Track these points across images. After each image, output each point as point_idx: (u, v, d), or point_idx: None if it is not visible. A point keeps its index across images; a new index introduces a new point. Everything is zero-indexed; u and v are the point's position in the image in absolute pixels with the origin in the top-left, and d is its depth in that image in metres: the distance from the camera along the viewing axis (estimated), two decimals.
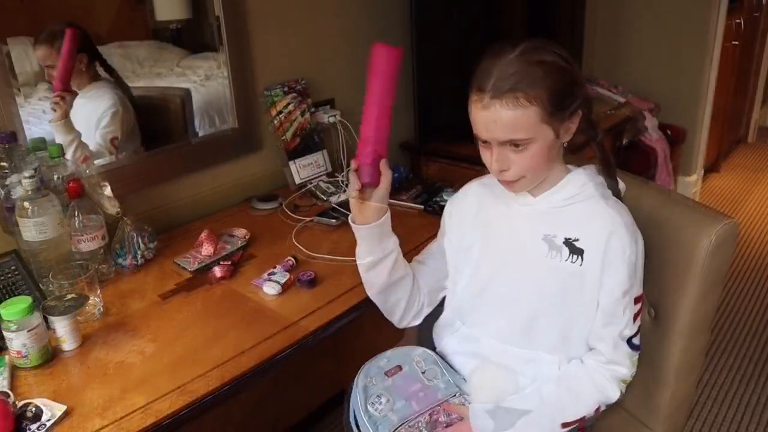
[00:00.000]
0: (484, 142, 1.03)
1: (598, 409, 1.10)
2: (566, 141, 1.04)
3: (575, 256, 1.06)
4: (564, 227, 1.07)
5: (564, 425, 1.07)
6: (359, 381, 1.16)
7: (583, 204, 1.07)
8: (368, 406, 1.12)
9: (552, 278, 1.08)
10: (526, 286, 1.11)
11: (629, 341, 1.08)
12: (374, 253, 1.11)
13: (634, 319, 1.07)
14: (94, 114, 1.56)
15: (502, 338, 1.16)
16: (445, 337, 1.25)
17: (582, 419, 1.09)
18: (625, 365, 1.09)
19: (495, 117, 0.97)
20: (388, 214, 1.11)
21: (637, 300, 1.07)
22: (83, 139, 1.52)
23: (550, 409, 1.07)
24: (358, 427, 1.14)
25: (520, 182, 1.05)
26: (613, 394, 1.09)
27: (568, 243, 1.06)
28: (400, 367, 1.20)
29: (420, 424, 1.11)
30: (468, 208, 1.22)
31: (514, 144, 0.99)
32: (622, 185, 1.13)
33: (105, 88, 1.56)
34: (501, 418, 1.07)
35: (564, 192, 1.08)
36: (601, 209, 1.06)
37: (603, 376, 1.08)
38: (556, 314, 1.09)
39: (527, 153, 0.99)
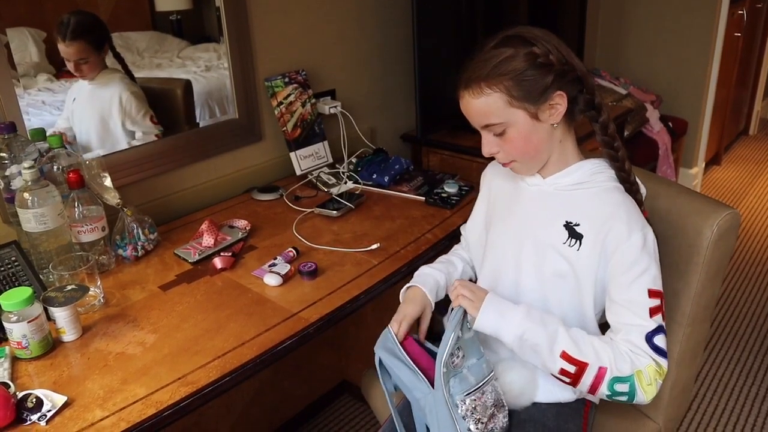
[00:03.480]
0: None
1: (601, 374, 0.99)
2: (556, 122, 1.04)
3: (573, 240, 1.06)
4: (567, 211, 1.08)
5: (564, 356, 1.00)
6: (457, 329, 1.02)
7: (590, 191, 1.08)
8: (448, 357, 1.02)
9: (549, 259, 1.08)
10: (527, 265, 1.11)
11: (649, 339, 1.01)
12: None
13: (651, 313, 1.01)
14: (111, 101, 1.57)
15: None
16: None
17: (581, 368, 1.00)
18: (642, 356, 1.01)
19: (466, 106, 1.06)
20: (429, 297, 1.19)
21: (653, 293, 1.01)
22: (97, 124, 1.55)
23: (564, 329, 1.02)
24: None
25: (514, 165, 1.10)
26: (624, 368, 0.99)
27: (569, 227, 1.07)
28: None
29: (487, 401, 1.04)
30: (485, 188, 1.27)
31: (492, 130, 1.05)
32: (642, 189, 1.12)
33: (114, 75, 1.56)
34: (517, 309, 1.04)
35: (572, 177, 1.09)
36: (606, 198, 1.06)
37: (620, 348, 1.01)
38: (560, 297, 1.09)
39: (507, 138, 1.05)
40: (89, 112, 1.54)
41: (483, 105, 1.02)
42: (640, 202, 1.09)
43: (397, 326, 1.11)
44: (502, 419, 1.08)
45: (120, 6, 1.54)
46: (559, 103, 1.03)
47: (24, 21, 1.38)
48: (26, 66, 1.39)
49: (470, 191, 1.74)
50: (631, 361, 1.00)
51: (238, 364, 1.06)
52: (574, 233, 1.06)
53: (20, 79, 1.38)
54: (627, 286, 1.03)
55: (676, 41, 3.27)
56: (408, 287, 1.22)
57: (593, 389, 1.01)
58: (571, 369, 1.00)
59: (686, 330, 1.17)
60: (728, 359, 2.26)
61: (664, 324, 1.03)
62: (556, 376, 1.02)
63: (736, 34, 3.51)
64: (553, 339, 1.01)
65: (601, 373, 1.00)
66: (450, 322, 1.03)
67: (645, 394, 1.01)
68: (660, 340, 1.02)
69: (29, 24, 1.39)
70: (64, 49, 1.44)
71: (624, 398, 1.01)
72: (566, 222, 1.07)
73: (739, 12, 3.49)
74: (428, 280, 1.22)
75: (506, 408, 1.09)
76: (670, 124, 3.24)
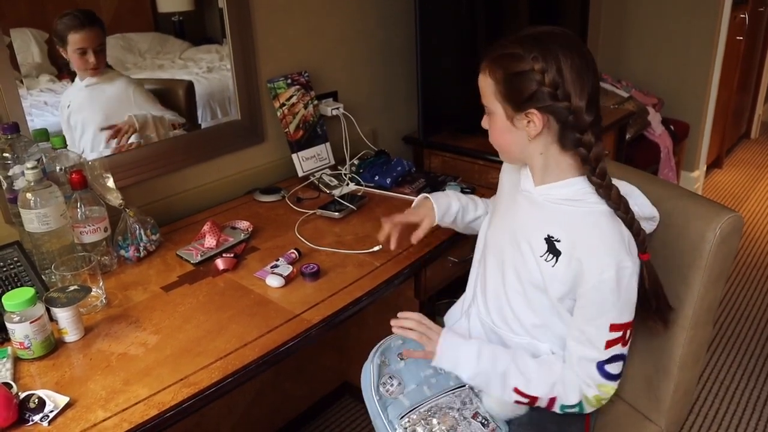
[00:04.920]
0: None
1: (552, 401, 1.07)
2: (530, 136, 1.03)
3: (550, 255, 1.04)
4: (551, 224, 1.06)
5: (516, 390, 1.07)
6: (375, 358, 1.16)
7: (579, 210, 1.05)
8: (380, 387, 1.13)
9: (524, 269, 1.08)
10: (510, 270, 1.12)
11: (600, 367, 1.04)
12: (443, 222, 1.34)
13: (607, 345, 1.02)
14: (119, 98, 1.58)
15: (492, 322, 1.17)
16: (452, 324, 1.28)
17: (533, 400, 1.08)
18: (590, 386, 1.05)
19: (478, 80, 1.09)
20: (435, 213, 1.31)
21: (614, 327, 1.02)
22: (103, 124, 1.55)
23: (514, 367, 1.07)
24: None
25: (499, 151, 1.14)
26: (572, 398, 1.06)
27: (549, 240, 1.05)
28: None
29: (431, 412, 1.11)
30: (502, 177, 1.28)
31: (485, 107, 1.10)
32: (652, 212, 1.12)
33: (114, 72, 1.57)
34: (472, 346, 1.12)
35: (563, 192, 1.06)
36: (594, 222, 1.03)
37: (570, 377, 1.06)
38: (541, 304, 1.09)
39: (490, 122, 1.10)
40: (90, 114, 1.53)
41: (482, 84, 1.08)
42: (642, 242, 1.04)
43: (389, 225, 1.31)
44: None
45: (122, 7, 1.54)
46: (535, 122, 1.01)
47: (26, 22, 1.38)
48: (29, 67, 1.39)
49: (472, 193, 1.74)
50: (579, 390, 1.07)
51: (240, 365, 1.06)
52: (553, 248, 1.04)
53: (23, 79, 1.38)
54: (590, 318, 1.03)
55: (678, 44, 3.27)
56: (422, 197, 1.35)
57: (547, 409, 1.10)
58: (524, 400, 1.09)
59: (689, 333, 1.16)
60: (730, 362, 2.26)
61: (623, 350, 1.05)
62: (515, 403, 1.11)
63: (738, 37, 3.51)
64: (504, 378, 1.08)
65: (551, 401, 1.08)
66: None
67: (593, 409, 1.09)
68: (613, 367, 1.05)
69: (31, 25, 1.39)
70: (85, 36, 1.45)
71: (575, 412, 1.10)
72: (548, 235, 1.05)
73: (741, 15, 3.49)
74: (442, 200, 1.32)
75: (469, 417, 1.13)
76: (672, 127, 3.24)
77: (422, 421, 1.09)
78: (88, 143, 1.53)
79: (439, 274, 1.59)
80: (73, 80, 1.48)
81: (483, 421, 1.11)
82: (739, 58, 3.66)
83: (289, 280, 1.31)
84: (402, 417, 1.10)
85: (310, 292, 1.28)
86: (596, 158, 1.01)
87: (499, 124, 1.07)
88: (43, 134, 1.35)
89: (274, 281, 1.30)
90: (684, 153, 3.45)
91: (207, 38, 1.75)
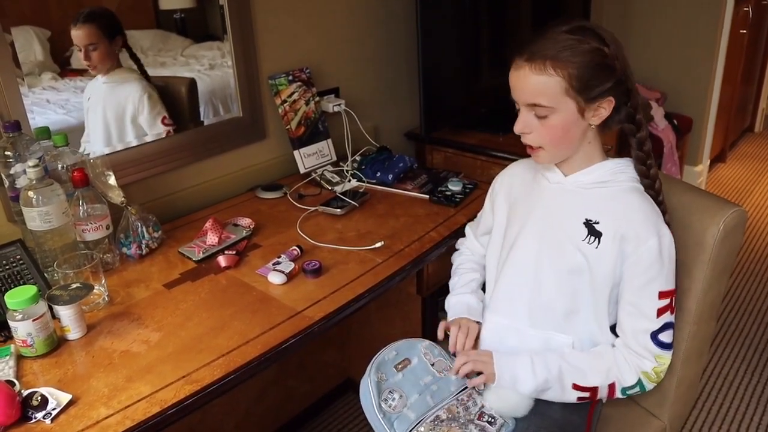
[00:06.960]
0: (517, 108, 1.09)
1: (612, 387, 1.10)
2: (595, 124, 1.07)
3: (592, 238, 1.08)
4: (587, 208, 1.09)
5: (575, 387, 1.09)
6: (372, 375, 1.14)
7: (610, 190, 1.10)
8: (381, 404, 1.11)
9: (567, 255, 1.10)
10: (546, 261, 1.12)
11: (654, 337, 1.07)
12: None
13: (659, 314, 1.06)
14: (126, 101, 1.57)
15: (513, 317, 1.17)
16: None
17: (594, 391, 1.09)
18: (647, 358, 1.09)
19: (523, 78, 1.04)
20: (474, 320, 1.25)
21: (663, 295, 1.06)
22: (110, 123, 1.55)
23: (566, 364, 1.09)
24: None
25: (540, 152, 1.10)
26: (629, 378, 1.09)
27: (588, 224, 1.08)
28: (408, 360, 1.19)
29: (438, 420, 1.11)
30: (504, 186, 1.27)
31: (536, 110, 1.05)
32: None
33: (131, 75, 1.57)
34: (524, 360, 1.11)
35: (594, 175, 1.11)
36: (625, 199, 1.08)
37: (624, 357, 1.09)
38: (576, 290, 1.10)
39: (548, 122, 1.05)
40: (102, 111, 1.54)
41: (541, 84, 1.02)
42: (668, 223, 1.10)
43: (463, 337, 1.20)
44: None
45: (124, 4, 1.54)
46: (606, 108, 1.05)
47: (29, 20, 1.38)
48: (31, 65, 1.39)
49: (474, 189, 1.74)
50: (636, 367, 1.09)
51: (242, 362, 1.06)
52: (593, 231, 1.08)
53: (25, 77, 1.38)
54: (639, 289, 1.07)
55: (681, 38, 3.26)
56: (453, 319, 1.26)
57: (610, 397, 1.12)
58: (585, 394, 1.10)
59: (692, 328, 1.16)
60: (734, 357, 2.25)
61: (672, 318, 1.08)
62: (577, 402, 1.11)
63: (741, 31, 3.49)
64: (561, 378, 1.09)
65: (612, 387, 1.10)
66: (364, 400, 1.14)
67: (653, 385, 1.11)
68: (665, 336, 1.08)
69: (34, 23, 1.39)
70: (75, 34, 1.44)
71: (637, 393, 1.12)
72: (586, 220, 1.09)
73: (745, 9, 3.47)
74: (470, 311, 1.25)
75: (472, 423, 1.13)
76: (675, 121, 3.23)
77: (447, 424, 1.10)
78: (98, 139, 1.54)
79: (441, 270, 1.59)
80: (74, 77, 1.48)
81: (490, 419, 1.11)
82: (742, 51, 3.65)
83: (291, 277, 1.31)
84: (410, 430, 1.10)
85: (312, 288, 1.28)
86: (645, 137, 1.09)
87: (567, 120, 1.04)
88: (45, 132, 1.35)
89: (276, 278, 1.30)
90: (687, 147, 3.43)
91: (209, 35, 1.75)
